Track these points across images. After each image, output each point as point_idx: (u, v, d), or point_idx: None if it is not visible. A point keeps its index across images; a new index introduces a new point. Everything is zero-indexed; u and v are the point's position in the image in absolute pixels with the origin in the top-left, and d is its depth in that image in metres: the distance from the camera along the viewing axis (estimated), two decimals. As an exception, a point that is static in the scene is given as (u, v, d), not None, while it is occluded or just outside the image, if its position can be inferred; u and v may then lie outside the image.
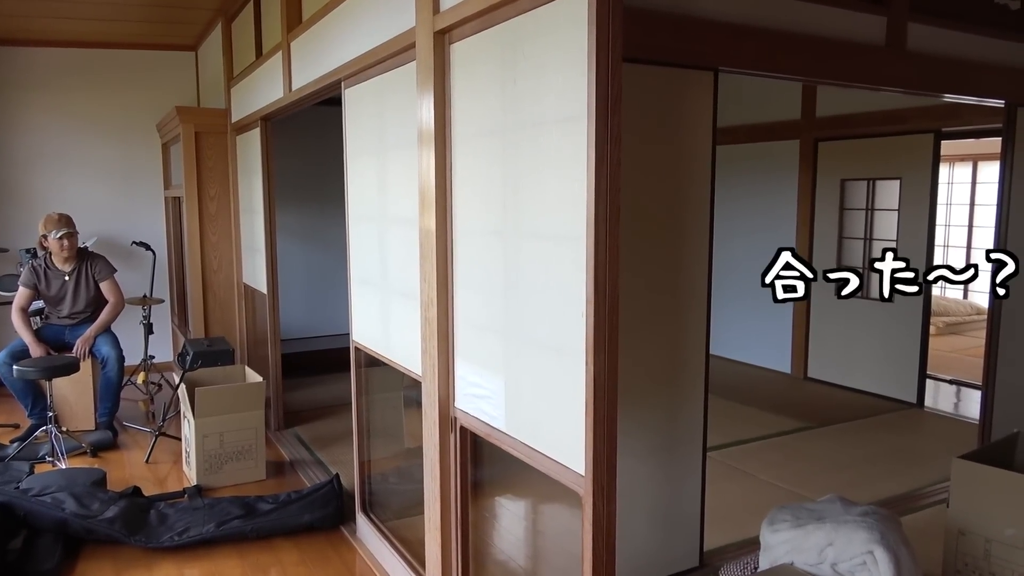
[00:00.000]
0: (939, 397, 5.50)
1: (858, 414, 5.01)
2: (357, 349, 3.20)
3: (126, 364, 4.75)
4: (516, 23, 1.83)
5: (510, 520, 3.15)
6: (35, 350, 4.42)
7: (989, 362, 3.83)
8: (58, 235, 4.49)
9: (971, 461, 2.61)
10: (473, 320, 2.17)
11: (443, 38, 2.18)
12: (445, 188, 2.24)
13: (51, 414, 4.17)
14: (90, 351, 4.61)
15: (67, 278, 4.62)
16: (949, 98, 3.53)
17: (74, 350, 4.56)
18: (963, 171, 9.58)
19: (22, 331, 4.48)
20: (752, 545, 2.81)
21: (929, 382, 5.32)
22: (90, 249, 5.35)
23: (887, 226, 5.36)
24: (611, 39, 1.53)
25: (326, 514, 3.35)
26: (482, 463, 2.50)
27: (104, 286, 4.70)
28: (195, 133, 5.21)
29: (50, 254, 4.62)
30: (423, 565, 2.62)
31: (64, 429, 4.31)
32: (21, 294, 4.56)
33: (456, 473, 2.34)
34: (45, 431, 4.18)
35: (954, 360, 6.30)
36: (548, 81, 1.72)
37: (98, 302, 4.72)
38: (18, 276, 4.85)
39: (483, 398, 2.13)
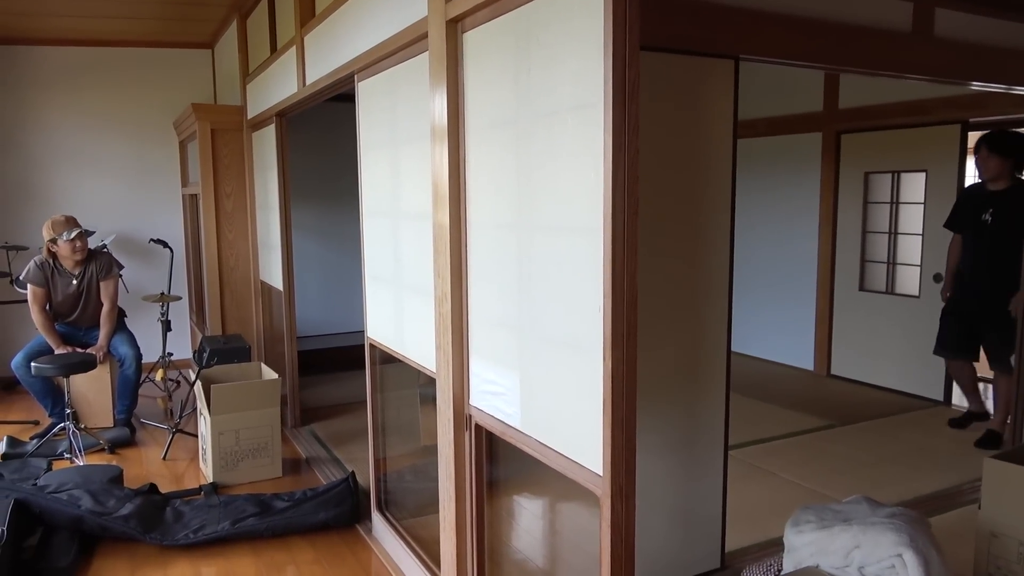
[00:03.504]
0: (966, 394, 5.38)
1: (883, 412, 4.90)
2: (372, 346, 3.16)
3: (145, 361, 4.75)
4: (530, 8, 1.78)
5: (527, 519, 3.10)
6: (59, 351, 4.41)
7: (1020, 358, 3.72)
8: (71, 236, 4.35)
9: (1003, 461, 2.53)
10: (488, 316, 2.12)
11: (455, 27, 2.13)
12: (459, 181, 2.20)
13: (69, 411, 4.17)
14: (107, 351, 4.61)
15: (74, 281, 4.50)
16: (977, 86, 3.42)
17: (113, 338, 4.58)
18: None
19: (46, 331, 4.44)
20: (775, 546, 2.75)
21: (956, 379, 5.21)
22: (108, 246, 5.37)
23: (913, 220, 5.25)
24: (628, 23, 1.47)
25: (341, 512, 3.33)
26: (498, 461, 2.45)
27: (103, 286, 4.54)
28: (211, 130, 5.21)
29: (56, 258, 4.48)
30: (439, 564, 2.58)
31: (82, 426, 4.32)
32: (36, 293, 4.41)
33: (471, 472, 2.30)
34: (63, 428, 4.19)
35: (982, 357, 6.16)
36: (563, 69, 1.67)
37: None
38: None
39: (498, 395, 2.08)
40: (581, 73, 1.60)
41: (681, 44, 2.42)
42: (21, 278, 4.52)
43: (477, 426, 2.24)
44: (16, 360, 4.39)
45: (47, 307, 4.49)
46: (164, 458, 4.24)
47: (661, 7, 2.30)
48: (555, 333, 1.78)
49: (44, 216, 4.87)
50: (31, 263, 4.47)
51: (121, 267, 4.75)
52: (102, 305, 4.59)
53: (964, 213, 4.30)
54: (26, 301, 4.50)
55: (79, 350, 4.48)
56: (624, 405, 1.57)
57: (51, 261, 4.47)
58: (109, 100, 6.13)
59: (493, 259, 2.06)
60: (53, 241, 4.40)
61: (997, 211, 4.08)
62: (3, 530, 2.78)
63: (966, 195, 4.43)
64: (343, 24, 3.23)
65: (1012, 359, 3.98)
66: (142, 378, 4.83)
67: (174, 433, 4.39)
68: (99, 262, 4.58)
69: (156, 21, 5.61)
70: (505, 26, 1.91)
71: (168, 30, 5.87)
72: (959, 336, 4.27)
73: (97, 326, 4.61)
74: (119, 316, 4.72)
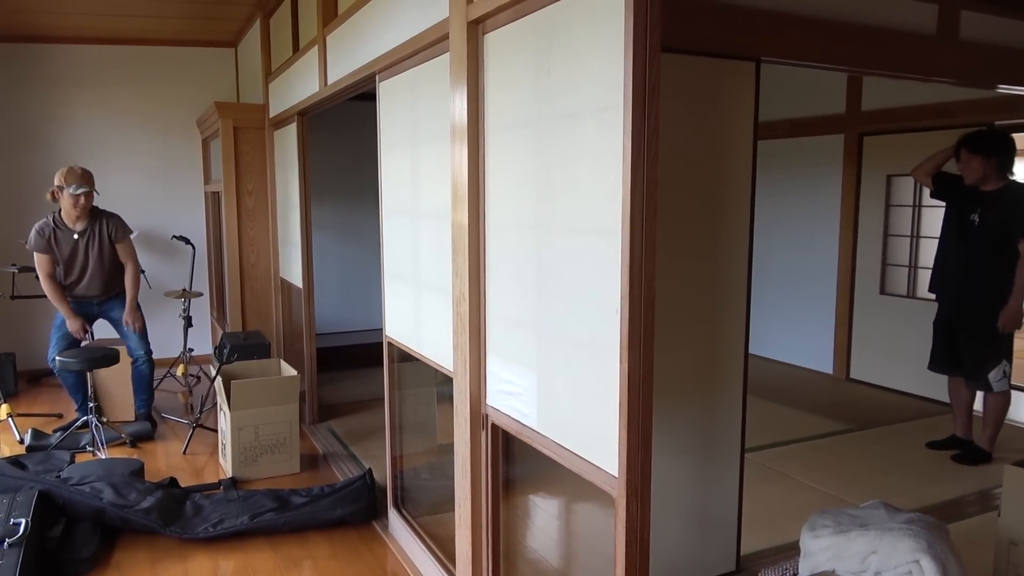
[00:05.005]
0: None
1: (902, 417, 4.86)
2: (390, 344, 3.18)
3: (166, 356, 4.79)
4: (551, 11, 1.79)
5: (542, 519, 3.11)
6: (72, 324, 4.36)
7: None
8: (77, 191, 4.21)
9: (1025, 468, 2.50)
10: (505, 316, 2.13)
11: (477, 28, 2.14)
12: (478, 181, 2.21)
13: (92, 404, 4.23)
14: (140, 313, 4.55)
15: (76, 237, 4.35)
16: (1003, 89, 3.39)
17: (124, 327, 4.52)
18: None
19: (57, 301, 4.36)
20: (791, 550, 2.74)
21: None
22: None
23: (935, 223, 5.18)
24: (649, 25, 1.48)
25: (358, 509, 3.35)
26: (514, 461, 2.46)
27: (121, 248, 4.45)
28: (234, 128, 5.27)
29: (58, 211, 4.35)
30: (454, 562, 2.59)
31: (104, 420, 4.38)
32: (42, 261, 4.32)
33: (487, 471, 2.31)
34: (86, 421, 4.24)
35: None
36: (584, 70, 1.67)
37: (118, 267, 4.49)
38: None
39: (515, 395, 2.09)
40: (601, 75, 1.60)
41: (702, 46, 2.41)
42: (27, 247, 4.41)
43: (493, 425, 2.25)
44: (51, 355, 4.42)
45: (55, 276, 4.40)
46: (184, 452, 4.29)
47: (682, 8, 2.30)
48: (572, 334, 1.78)
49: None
50: (32, 230, 4.35)
51: (131, 231, 4.61)
52: (112, 271, 4.48)
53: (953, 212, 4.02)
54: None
55: (89, 327, 4.45)
56: (641, 406, 1.57)
57: (51, 221, 4.34)
58: (133, 98, 6.21)
59: (511, 259, 2.07)
60: (60, 188, 4.26)
61: (985, 212, 3.78)
62: (27, 521, 2.83)
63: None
64: (365, 24, 3.26)
65: (991, 376, 3.77)
66: (164, 373, 4.87)
67: (194, 428, 4.44)
68: (110, 223, 4.42)
69: (181, 20, 5.67)
70: (526, 28, 1.91)
71: (192, 29, 5.94)
72: (946, 349, 4.00)
73: (111, 297, 4.53)
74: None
